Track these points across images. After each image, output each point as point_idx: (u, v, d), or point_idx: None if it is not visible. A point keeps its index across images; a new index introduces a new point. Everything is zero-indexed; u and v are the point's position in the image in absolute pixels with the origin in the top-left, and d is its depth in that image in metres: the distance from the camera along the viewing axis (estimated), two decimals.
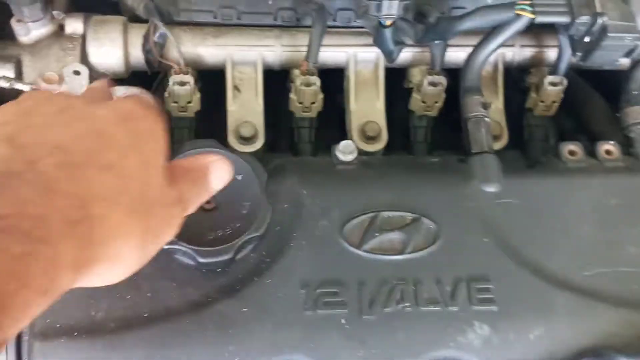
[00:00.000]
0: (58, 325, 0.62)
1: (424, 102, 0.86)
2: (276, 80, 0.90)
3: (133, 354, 0.62)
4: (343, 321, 0.65)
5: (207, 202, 0.66)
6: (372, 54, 0.87)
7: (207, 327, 0.63)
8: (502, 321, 0.67)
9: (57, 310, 0.62)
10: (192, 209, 0.52)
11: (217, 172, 0.54)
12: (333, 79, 0.89)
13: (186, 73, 0.81)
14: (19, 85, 0.80)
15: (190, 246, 0.63)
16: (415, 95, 0.87)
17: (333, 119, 0.93)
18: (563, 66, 0.84)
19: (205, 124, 0.88)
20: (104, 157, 0.44)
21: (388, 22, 0.77)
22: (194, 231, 0.64)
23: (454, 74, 0.86)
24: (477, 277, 0.68)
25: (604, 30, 0.74)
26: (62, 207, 0.39)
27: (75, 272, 0.40)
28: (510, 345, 0.66)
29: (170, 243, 0.63)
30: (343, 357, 0.64)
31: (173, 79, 0.81)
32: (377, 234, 0.70)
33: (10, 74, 0.82)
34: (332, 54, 0.87)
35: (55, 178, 0.40)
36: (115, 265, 0.44)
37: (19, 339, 0.62)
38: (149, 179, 0.46)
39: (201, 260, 0.64)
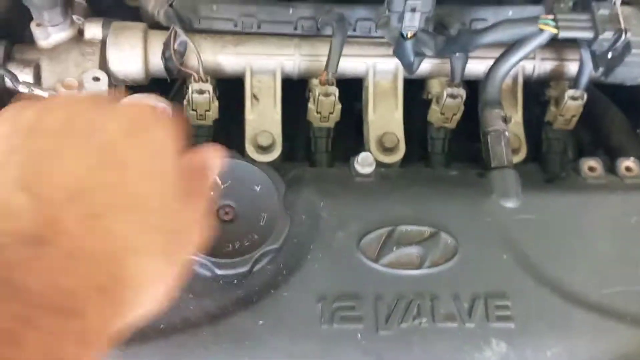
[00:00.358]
0: None
1: (442, 113, 0.86)
2: (293, 89, 0.89)
3: None
4: (359, 336, 0.65)
5: (226, 212, 0.66)
6: (391, 64, 0.86)
7: (223, 339, 0.63)
8: (520, 338, 0.66)
9: None
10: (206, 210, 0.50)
11: (214, 165, 0.52)
12: (351, 88, 0.89)
13: (205, 81, 0.81)
14: (38, 91, 0.80)
15: (208, 258, 0.63)
16: (434, 107, 0.87)
17: (351, 129, 0.92)
18: (584, 80, 0.84)
19: (224, 133, 0.88)
20: (122, 193, 0.41)
21: (409, 34, 0.77)
22: (211, 243, 0.64)
23: (472, 85, 0.86)
24: (495, 293, 0.68)
25: (627, 46, 0.73)
26: (91, 274, 0.38)
27: (108, 333, 0.39)
28: None
29: None
30: None
31: (192, 86, 0.81)
32: (394, 248, 0.69)
33: (29, 78, 0.82)
34: (351, 64, 0.87)
35: (80, 237, 0.38)
36: (148, 306, 0.43)
37: None
38: (169, 206, 0.44)
39: (218, 272, 0.64)
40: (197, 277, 0.65)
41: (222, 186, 0.67)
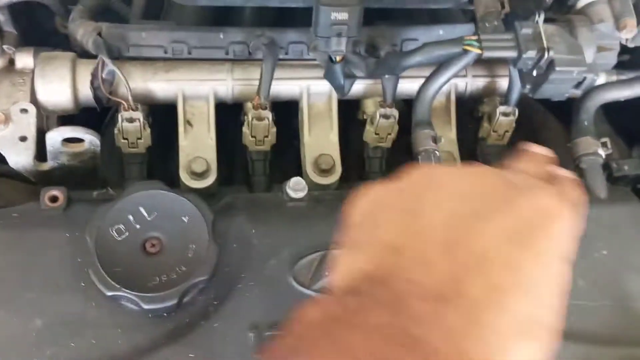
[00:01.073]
0: None
1: (377, 134, 0.86)
2: (233, 111, 0.89)
3: None
4: None
5: (152, 245, 0.66)
6: (325, 86, 0.86)
7: None
8: None
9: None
10: None
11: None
12: (292, 108, 0.89)
13: (135, 109, 0.80)
14: None
15: (133, 292, 0.62)
16: (368, 127, 0.87)
17: (291, 150, 0.92)
18: (514, 97, 0.85)
19: (160, 160, 0.87)
20: (523, 275, 0.40)
21: (338, 58, 0.77)
22: (137, 276, 0.63)
23: (410, 102, 0.86)
24: None
25: (551, 64, 0.74)
26: (482, 341, 0.37)
27: None
28: None
29: (113, 289, 0.62)
30: None
31: (122, 115, 0.80)
32: (327, 273, 0.69)
33: None
34: (285, 87, 0.87)
35: (482, 306, 0.38)
36: None
37: None
38: (555, 296, 0.42)
39: (146, 306, 0.63)
40: (125, 311, 0.65)
41: (148, 218, 0.66)
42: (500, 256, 0.40)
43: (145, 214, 0.66)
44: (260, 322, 0.66)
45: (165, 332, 0.65)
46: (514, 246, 0.41)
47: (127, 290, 0.62)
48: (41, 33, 0.93)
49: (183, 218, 0.67)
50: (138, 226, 0.66)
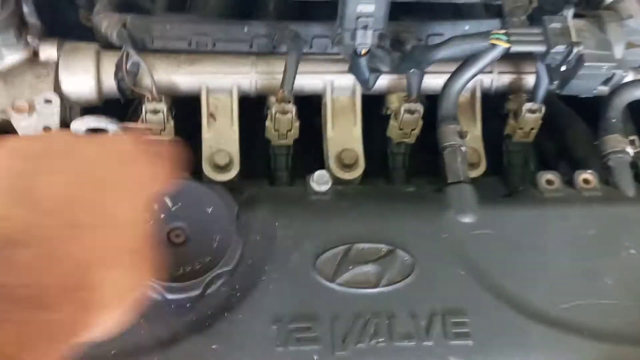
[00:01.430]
0: None
1: (401, 129, 0.86)
2: (255, 106, 0.89)
3: None
4: (315, 357, 0.64)
5: (177, 235, 0.65)
6: (349, 81, 0.86)
7: None
8: (478, 355, 0.66)
9: None
10: None
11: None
12: (313, 104, 0.89)
13: (159, 101, 0.80)
14: None
15: (159, 282, 0.62)
16: (392, 122, 0.86)
17: (313, 144, 0.92)
18: (541, 94, 0.84)
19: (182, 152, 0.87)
20: (100, 210, 0.46)
21: (363, 51, 0.76)
22: (162, 266, 0.63)
23: (434, 98, 0.85)
24: (452, 310, 0.67)
25: (580, 59, 0.73)
26: (62, 275, 0.41)
27: (74, 335, 0.42)
28: None
29: None
30: None
31: (146, 107, 0.80)
32: (351, 267, 0.69)
33: None
34: (309, 81, 0.86)
35: (56, 243, 0.42)
36: (110, 321, 0.45)
37: None
38: (141, 229, 0.48)
39: (169, 296, 0.63)
40: (149, 300, 0.64)
41: (173, 208, 0.66)
42: (78, 199, 0.45)
43: (170, 204, 0.66)
44: (283, 314, 0.66)
45: (187, 322, 0.64)
46: (92, 188, 0.46)
47: (153, 280, 0.62)
48: (62, 26, 0.93)
49: (207, 209, 0.67)
50: (162, 216, 0.65)
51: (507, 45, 0.73)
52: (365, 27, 0.72)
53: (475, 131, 0.88)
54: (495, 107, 0.93)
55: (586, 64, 0.73)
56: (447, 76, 0.83)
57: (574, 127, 0.97)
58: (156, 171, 0.52)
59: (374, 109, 0.92)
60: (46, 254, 0.41)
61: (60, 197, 0.44)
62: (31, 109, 0.78)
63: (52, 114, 0.79)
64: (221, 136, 0.83)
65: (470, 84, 0.83)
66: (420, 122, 0.85)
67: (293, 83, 0.81)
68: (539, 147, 0.98)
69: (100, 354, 0.62)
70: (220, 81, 0.84)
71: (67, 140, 0.51)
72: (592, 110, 0.94)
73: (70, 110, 0.84)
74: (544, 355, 0.67)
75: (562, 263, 0.72)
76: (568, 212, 0.75)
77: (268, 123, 0.84)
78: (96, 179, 0.47)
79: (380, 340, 0.65)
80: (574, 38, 0.73)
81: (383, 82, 0.86)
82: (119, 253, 0.45)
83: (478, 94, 0.89)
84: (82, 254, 0.43)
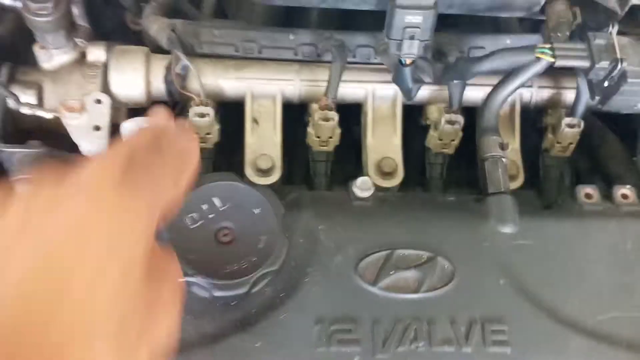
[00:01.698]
0: None
1: (440, 139, 0.87)
2: (294, 112, 0.90)
3: None
4: (356, 359, 0.65)
5: (224, 235, 0.67)
6: (390, 90, 0.87)
7: None
8: None
9: None
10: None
11: None
12: (351, 112, 0.90)
13: (206, 105, 0.82)
14: (40, 112, 0.81)
15: (206, 279, 0.64)
16: (432, 133, 0.88)
17: (350, 153, 0.93)
18: (581, 109, 0.85)
19: (224, 156, 0.89)
20: (68, 287, 0.38)
21: (408, 61, 0.78)
22: (210, 264, 0.64)
23: (470, 111, 0.87)
24: (491, 318, 0.68)
25: (623, 75, 0.74)
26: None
27: None
28: None
29: (187, 275, 0.64)
30: None
31: (193, 110, 0.81)
32: (392, 272, 0.70)
33: (32, 99, 0.83)
34: (350, 89, 0.88)
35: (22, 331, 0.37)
36: None
37: None
38: (128, 289, 0.41)
39: (216, 293, 0.64)
40: (195, 297, 0.66)
41: (221, 208, 0.67)
42: (41, 283, 0.38)
43: (219, 205, 0.68)
44: (325, 316, 0.67)
45: (232, 320, 0.66)
46: (53, 270, 0.39)
47: (200, 277, 0.63)
48: (113, 29, 0.96)
49: (254, 210, 0.68)
50: (211, 215, 0.67)
51: (552, 59, 0.74)
52: (412, 38, 0.74)
53: (514, 144, 0.89)
54: (533, 121, 0.94)
55: (630, 80, 0.74)
56: (484, 89, 0.84)
57: (608, 143, 0.98)
58: (141, 218, 0.43)
59: (409, 118, 0.93)
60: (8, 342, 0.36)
61: (28, 285, 0.38)
62: (82, 108, 0.80)
63: (102, 114, 0.80)
64: (264, 141, 0.85)
65: (510, 98, 0.84)
66: (460, 134, 0.86)
67: (337, 90, 0.83)
68: (573, 162, 0.99)
69: None
70: (265, 87, 0.86)
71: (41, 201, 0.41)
72: (621, 125, 0.96)
73: (117, 111, 0.86)
74: None
75: (599, 275, 0.72)
76: (607, 226, 0.75)
77: (310, 129, 0.86)
78: (82, 236, 0.40)
79: (420, 344, 0.66)
80: (618, 54, 0.74)
81: (423, 92, 0.88)
82: (97, 323, 0.39)
83: (518, 107, 0.90)
84: (51, 337, 0.37)
